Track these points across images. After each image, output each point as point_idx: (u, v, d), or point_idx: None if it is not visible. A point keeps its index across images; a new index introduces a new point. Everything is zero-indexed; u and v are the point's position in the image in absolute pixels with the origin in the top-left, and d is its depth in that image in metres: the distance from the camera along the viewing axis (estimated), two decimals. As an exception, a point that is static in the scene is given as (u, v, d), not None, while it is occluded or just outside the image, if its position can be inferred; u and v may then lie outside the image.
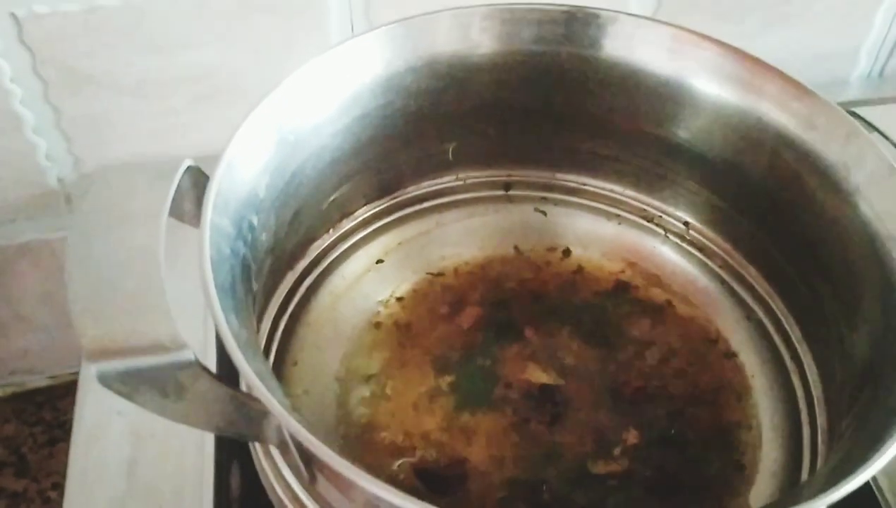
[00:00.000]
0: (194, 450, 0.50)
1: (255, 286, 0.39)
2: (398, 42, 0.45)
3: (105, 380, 0.30)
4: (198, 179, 0.38)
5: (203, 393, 0.32)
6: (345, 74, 0.44)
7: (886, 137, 0.40)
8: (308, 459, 0.35)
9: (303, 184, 0.44)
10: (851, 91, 0.74)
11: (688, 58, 0.45)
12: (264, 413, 0.33)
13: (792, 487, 0.43)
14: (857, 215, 0.40)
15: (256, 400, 0.32)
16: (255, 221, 0.39)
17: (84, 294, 0.32)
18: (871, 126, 0.40)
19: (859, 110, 0.44)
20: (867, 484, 0.48)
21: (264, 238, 0.41)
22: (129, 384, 0.31)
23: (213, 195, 0.36)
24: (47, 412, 0.75)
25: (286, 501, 0.38)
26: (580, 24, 0.46)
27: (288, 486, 0.37)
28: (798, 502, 0.30)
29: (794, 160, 0.43)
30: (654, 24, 0.45)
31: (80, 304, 0.32)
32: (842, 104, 0.43)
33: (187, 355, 0.31)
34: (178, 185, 0.37)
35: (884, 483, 0.47)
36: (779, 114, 0.43)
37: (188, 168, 0.37)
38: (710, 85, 0.45)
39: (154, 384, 0.31)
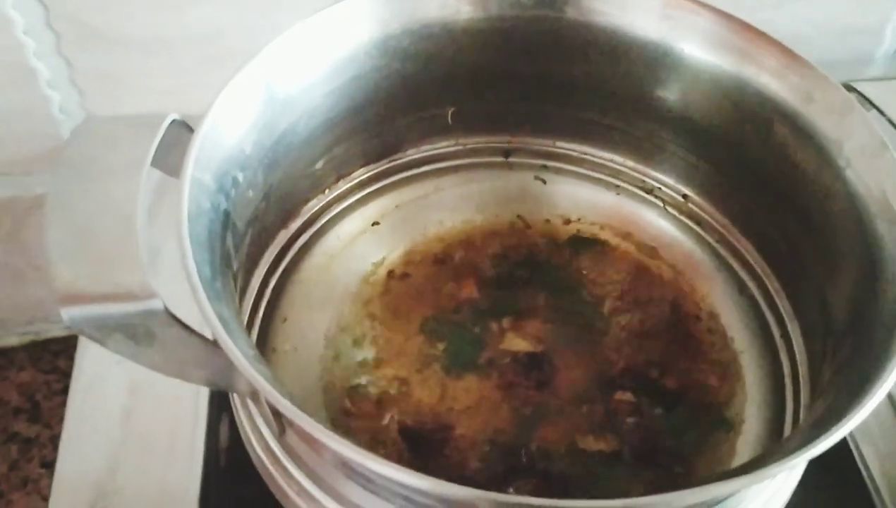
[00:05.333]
0: (189, 401, 0.51)
1: (238, 241, 0.40)
2: (394, 4, 0.45)
3: (75, 324, 0.31)
4: (184, 134, 0.38)
5: (173, 341, 0.33)
6: (338, 35, 0.44)
7: (883, 113, 0.39)
8: (276, 411, 0.35)
9: (294, 143, 0.44)
10: (876, 68, 0.72)
11: (684, 26, 0.44)
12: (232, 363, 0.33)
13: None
14: (846, 189, 0.39)
15: (225, 349, 0.32)
16: (239, 177, 0.39)
17: (61, 242, 0.33)
18: (869, 102, 0.39)
19: (876, 85, 0.43)
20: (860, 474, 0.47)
21: (251, 194, 0.41)
22: (99, 329, 0.32)
23: (195, 150, 0.36)
24: (62, 361, 0.76)
25: (260, 452, 0.38)
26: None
27: (262, 437, 0.38)
28: (779, 460, 0.30)
29: (789, 132, 0.42)
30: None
31: (57, 252, 0.33)
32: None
33: (156, 303, 0.31)
34: (166, 139, 0.37)
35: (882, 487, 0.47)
36: (778, 86, 0.43)
37: (173, 121, 0.37)
38: (708, 54, 0.44)
39: (124, 330, 0.32)
